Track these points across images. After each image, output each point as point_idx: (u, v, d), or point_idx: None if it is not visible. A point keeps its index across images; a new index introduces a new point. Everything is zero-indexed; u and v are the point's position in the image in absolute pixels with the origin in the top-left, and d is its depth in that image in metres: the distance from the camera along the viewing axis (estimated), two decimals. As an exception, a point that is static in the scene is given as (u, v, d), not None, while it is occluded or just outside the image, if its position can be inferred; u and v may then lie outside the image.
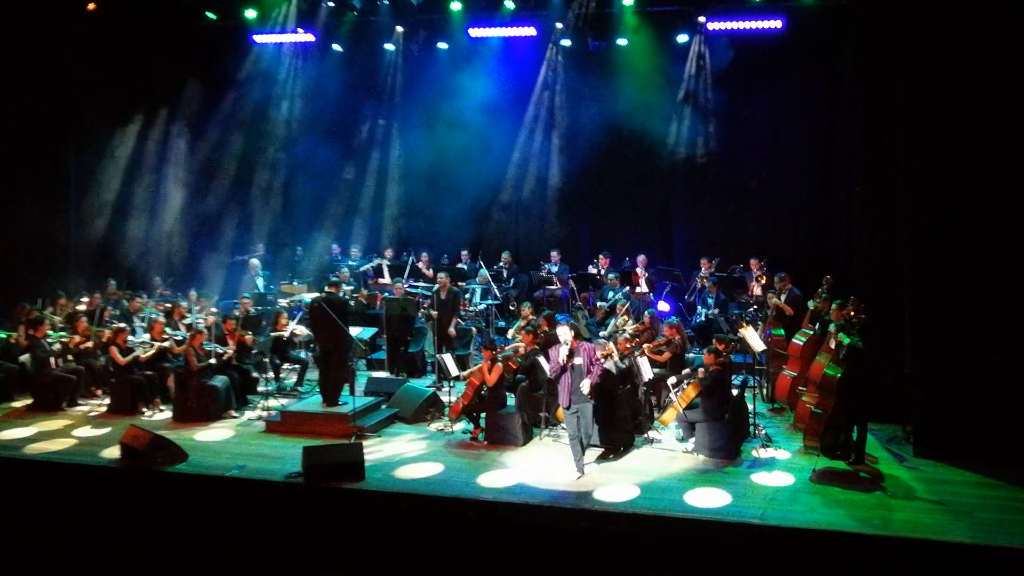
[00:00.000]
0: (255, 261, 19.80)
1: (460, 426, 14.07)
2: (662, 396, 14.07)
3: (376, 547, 11.20)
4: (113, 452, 13.08)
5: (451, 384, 14.80)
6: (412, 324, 17.43)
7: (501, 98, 20.44)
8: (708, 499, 11.14)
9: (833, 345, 12.56)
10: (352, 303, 16.62)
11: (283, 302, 18.42)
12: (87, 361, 16.24)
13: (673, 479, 11.82)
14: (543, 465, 12.46)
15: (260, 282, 19.51)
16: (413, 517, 11.38)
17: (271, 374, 16.09)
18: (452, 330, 16.65)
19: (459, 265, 19.84)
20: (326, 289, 15.09)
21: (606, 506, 11.04)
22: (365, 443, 12.96)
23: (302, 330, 16.72)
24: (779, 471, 12.04)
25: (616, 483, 11.69)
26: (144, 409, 15.27)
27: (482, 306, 18.36)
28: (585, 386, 11.77)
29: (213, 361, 14.97)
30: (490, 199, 21.02)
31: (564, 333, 12.08)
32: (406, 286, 18.19)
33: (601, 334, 15.97)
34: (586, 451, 12.24)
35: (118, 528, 11.87)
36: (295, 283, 19.33)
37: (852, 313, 12.73)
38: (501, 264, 19.74)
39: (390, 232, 21.92)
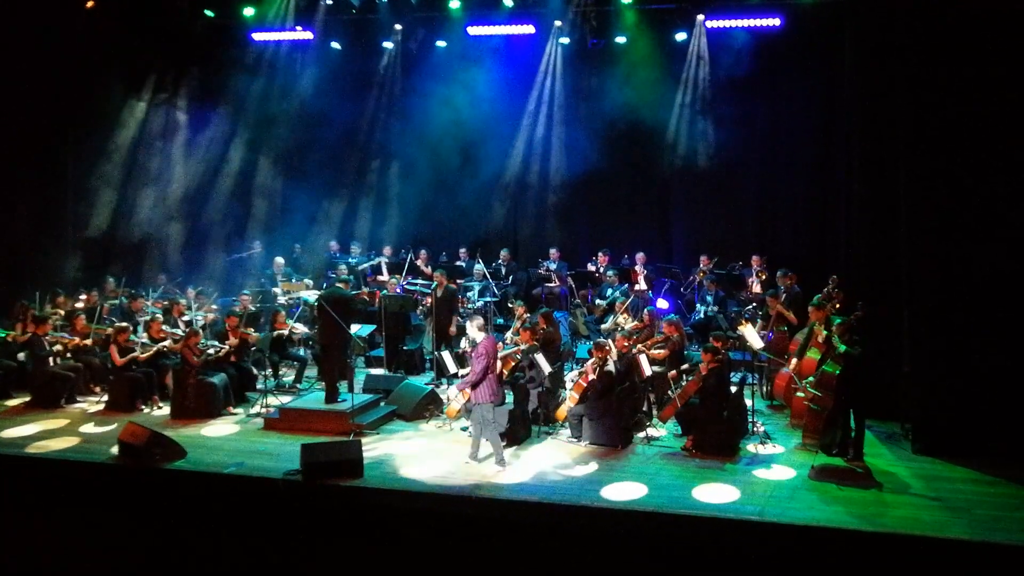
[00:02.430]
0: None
1: (459, 424, 14.05)
2: (661, 393, 14.08)
3: (375, 544, 11.20)
4: (112, 449, 13.06)
5: (449, 382, 14.78)
6: (409, 321, 17.42)
7: (500, 96, 20.45)
8: (706, 496, 11.14)
9: (821, 340, 12.59)
10: (358, 301, 16.59)
11: (282, 300, 18.42)
12: (85, 358, 16.24)
13: (671, 476, 11.82)
14: (541, 462, 12.47)
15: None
16: (412, 514, 11.37)
17: (270, 371, 16.08)
18: (453, 328, 16.65)
19: (458, 263, 19.84)
20: (336, 285, 15.18)
21: (604, 504, 11.03)
22: (364, 440, 12.96)
23: (300, 328, 16.73)
24: (777, 468, 12.06)
25: (615, 480, 11.69)
26: (142, 406, 15.27)
27: (480, 303, 18.36)
28: (452, 391, 12.36)
29: (212, 350, 14.95)
30: (489, 197, 21.04)
31: (471, 329, 12.55)
32: (404, 283, 18.20)
33: (603, 326, 16.01)
34: (499, 445, 12.45)
35: (117, 525, 11.87)
36: (293, 280, 19.31)
37: (837, 307, 12.75)
38: (500, 261, 19.73)
39: (389, 229, 21.89)
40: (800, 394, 13.03)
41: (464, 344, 13.04)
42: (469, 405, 12.55)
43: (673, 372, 13.69)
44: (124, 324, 15.87)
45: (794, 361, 13.65)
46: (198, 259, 21.17)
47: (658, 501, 11.00)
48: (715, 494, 11.19)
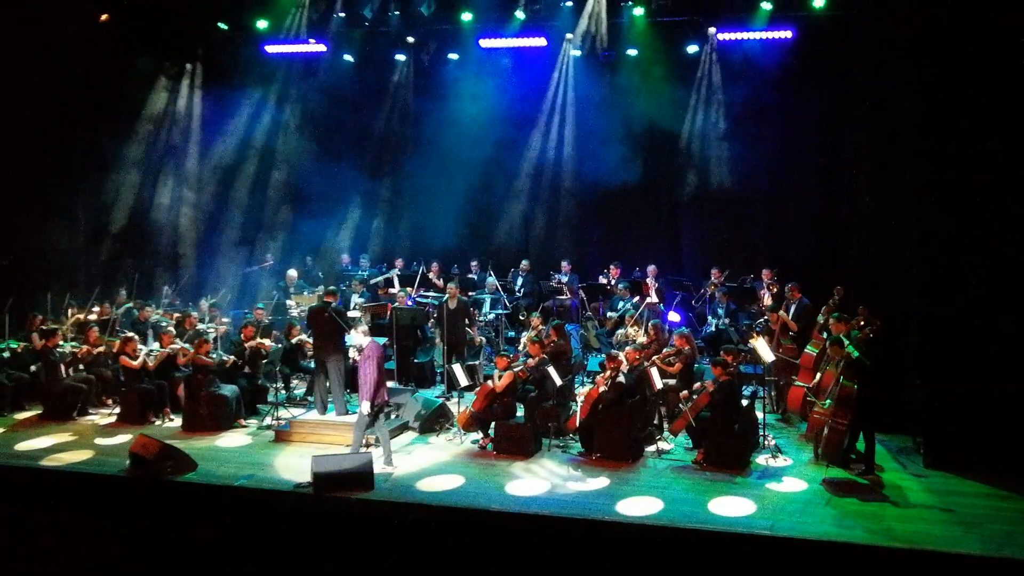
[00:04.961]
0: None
1: (470, 436, 14.07)
2: (672, 406, 14.05)
3: (386, 557, 11.20)
4: (122, 461, 13.10)
5: (460, 394, 14.79)
6: (422, 334, 17.44)
7: (512, 108, 20.49)
8: (717, 510, 11.12)
9: (835, 356, 12.55)
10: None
11: (294, 312, 18.45)
12: (97, 370, 16.30)
13: (682, 490, 11.80)
14: (551, 476, 12.47)
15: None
16: (422, 527, 11.37)
17: (281, 384, 16.09)
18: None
19: (469, 275, 19.84)
20: (323, 299, 15.16)
21: (615, 517, 11.01)
22: (374, 452, 12.97)
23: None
24: (789, 482, 12.04)
25: (625, 494, 11.67)
26: (154, 418, 15.32)
27: (491, 316, 18.36)
28: (365, 406, 12.58)
29: (226, 357, 14.98)
30: (500, 209, 21.10)
31: (356, 335, 12.95)
32: (416, 295, 18.20)
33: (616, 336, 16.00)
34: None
35: (127, 537, 11.88)
36: (305, 293, 19.34)
37: (862, 323, 12.71)
38: (519, 270, 19.72)
39: (400, 242, 21.93)
40: (816, 408, 12.98)
41: (352, 353, 13.28)
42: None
43: (684, 392, 13.63)
44: (130, 334, 15.92)
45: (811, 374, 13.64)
46: (209, 271, 21.23)
47: (669, 515, 10.98)
48: (726, 508, 11.17)
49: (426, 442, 14.17)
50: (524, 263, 19.94)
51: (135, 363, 15.29)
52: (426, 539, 11.26)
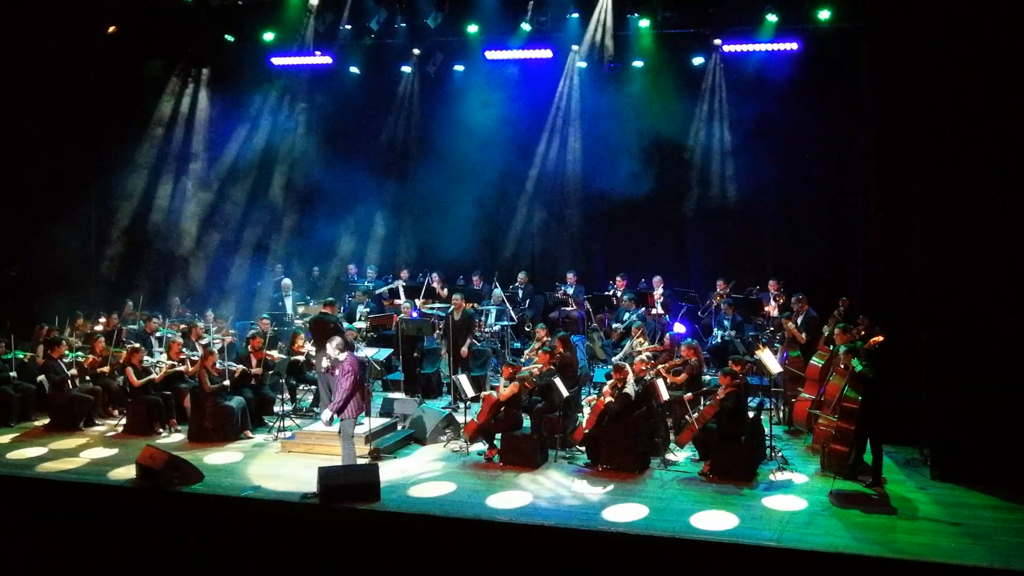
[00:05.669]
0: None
1: (476, 447, 14.06)
2: (679, 417, 14.04)
3: (391, 568, 11.19)
4: (129, 472, 13.10)
5: (467, 405, 14.79)
6: (424, 344, 17.41)
7: (517, 120, 20.49)
8: (724, 521, 11.09)
9: (843, 366, 12.55)
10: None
11: (299, 323, 18.46)
12: (104, 381, 16.31)
13: (689, 501, 11.78)
14: (557, 487, 12.45)
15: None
16: (428, 538, 11.36)
17: (287, 395, 16.09)
18: (465, 350, 16.65)
19: (472, 287, 19.81)
20: (321, 309, 15.16)
21: (621, 528, 10.99)
22: (381, 463, 12.96)
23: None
24: (795, 494, 12.00)
25: (631, 505, 11.65)
26: (160, 429, 15.33)
27: (497, 327, 18.35)
28: (326, 414, 12.79)
29: (227, 383, 14.99)
30: (506, 220, 21.09)
31: (332, 349, 12.80)
32: (421, 308, 18.19)
33: (616, 357, 15.96)
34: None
35: (133, 548, 11.88)
36: (311, 304, 19.36)
37: (863, 333, 12.70)
38: (517, 284, 19.70)
39: (406, 253, 21.94)
40: (822, 420, 12.98)
41: (324, 363, 13.31)
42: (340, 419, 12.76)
43: (689, 395, 13.64)
44: (137, 345, 15.93)
45: (817, 386, 13.63)
46: (216, 281, 21.26)
47: (675, 526, 10.95)
48: (733, 519, 11.14)
49: (433, 453, 14.16)
50: (521, 275, 19.90)
51: (138, 381, 15.32)
52: (431, 550, 11.25)
